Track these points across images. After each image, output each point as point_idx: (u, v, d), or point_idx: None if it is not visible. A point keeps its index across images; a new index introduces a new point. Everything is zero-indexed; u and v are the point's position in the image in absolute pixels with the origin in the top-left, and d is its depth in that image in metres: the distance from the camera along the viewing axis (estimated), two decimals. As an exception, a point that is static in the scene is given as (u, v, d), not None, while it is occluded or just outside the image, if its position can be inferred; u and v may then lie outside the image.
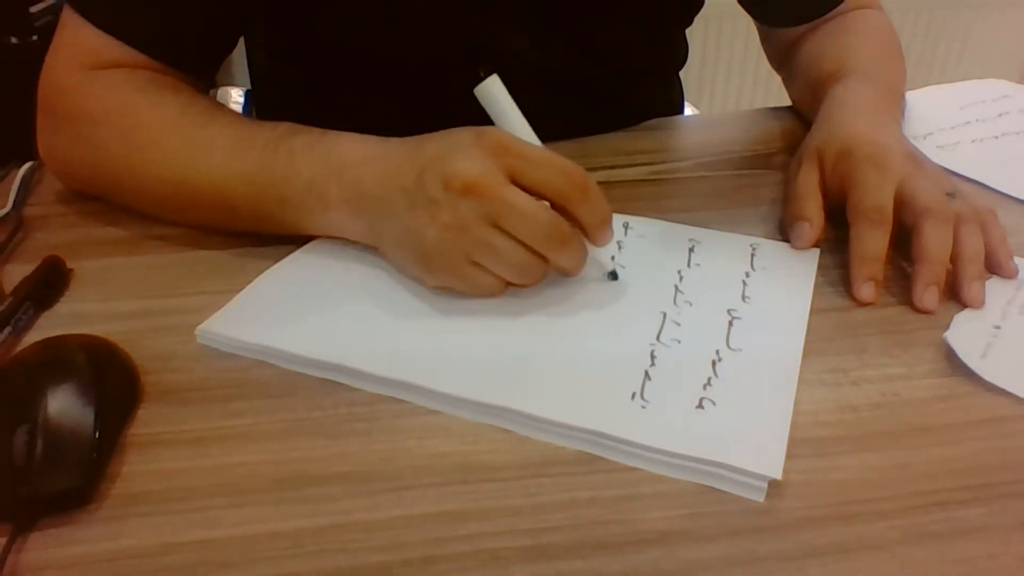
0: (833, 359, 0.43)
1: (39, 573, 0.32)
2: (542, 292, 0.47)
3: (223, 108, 0.54)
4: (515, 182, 0.42)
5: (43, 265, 0.49)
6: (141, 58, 0.54)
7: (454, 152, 0.43)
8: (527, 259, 0.43)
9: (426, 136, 0.46)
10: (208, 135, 0.51)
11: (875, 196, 0.48)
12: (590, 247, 0.46)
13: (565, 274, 0.46)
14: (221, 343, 0.44)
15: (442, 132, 0.45)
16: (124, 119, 0.52)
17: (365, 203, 0.46)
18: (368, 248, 0.50)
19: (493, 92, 0.45)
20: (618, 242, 0.52)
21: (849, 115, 0.56)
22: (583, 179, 0.43)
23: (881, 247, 0.48)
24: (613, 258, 0.50)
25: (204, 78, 0.59)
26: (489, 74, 0.45)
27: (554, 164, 0.43)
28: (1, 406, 0.37)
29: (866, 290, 0.47)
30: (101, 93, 0.53)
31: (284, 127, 0.50)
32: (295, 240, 0.51)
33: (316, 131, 0.49)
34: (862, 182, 0.49)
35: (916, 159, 0.52)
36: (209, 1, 0.55)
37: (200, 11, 0.55)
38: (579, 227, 0.44)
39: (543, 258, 0.44)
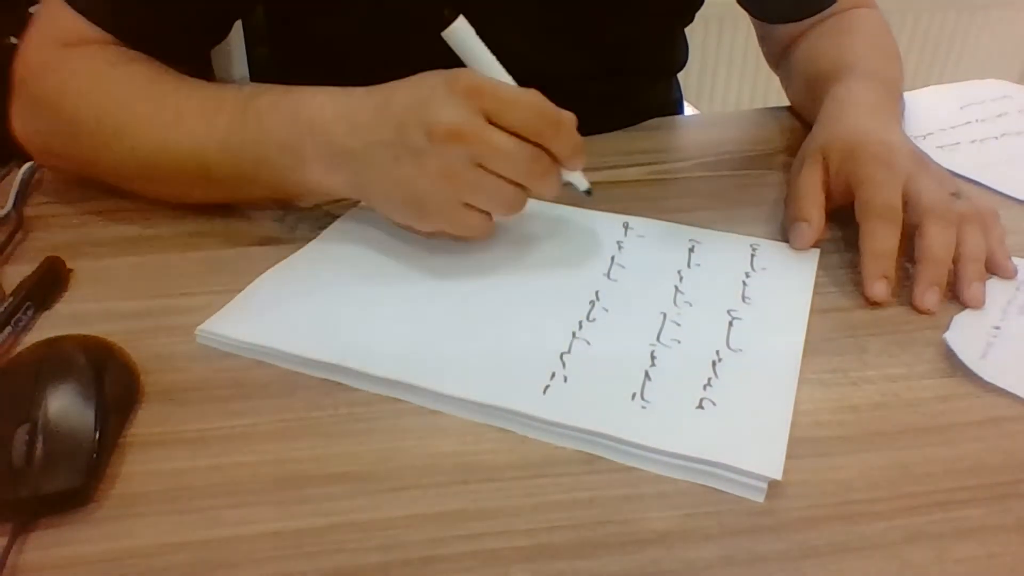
0: (833, 359, 0.43)
1: (39, 573, 0.32)
2: (543, 293, 0.47)
3: (191, 78, 0.54)
4: (492, 122, 0.43)
5: (43, 265, 0.49)
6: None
7: (430, 101, 0.44)
8: (512, 193, 0.45)
9: (392, 85, 0.46)
10: (177, 101, 0.51)
11: (885, 193, 0.48)
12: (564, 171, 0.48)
13: (541, 198, 0.48)
14: (221, 343, 0.44)
15: (409, 80, 0.46)
16: (95, 90, 0.52)
17: (341, 159, 0.47)
18: (367, 250, 0.50)
19: (462, 34, 0.45)
20: (618, 242, 0.52)
21: (852, 114, 0.55)
22: (556, 116, 0.44)
23: (893, 244, 0.47)
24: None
25: (189, 66, 0.59)
26: (455, 15, 0.45)
27: (528, 104, 0.44)
28: (1, 406, 0.37)
29: (879, 287, 0.47)
30: (73, 66, 0.53)
31: (249, 88, 0.51)
32: (295, 240, 0.51)
33: (279, 89, 0.50)
34: (871, 180, 0.49)
35: (920, 159, 0.52)
36: None
37: (185, 5, 0.55)
38: (552, 157, 0.46)
39: (525, 188, 0.46)
